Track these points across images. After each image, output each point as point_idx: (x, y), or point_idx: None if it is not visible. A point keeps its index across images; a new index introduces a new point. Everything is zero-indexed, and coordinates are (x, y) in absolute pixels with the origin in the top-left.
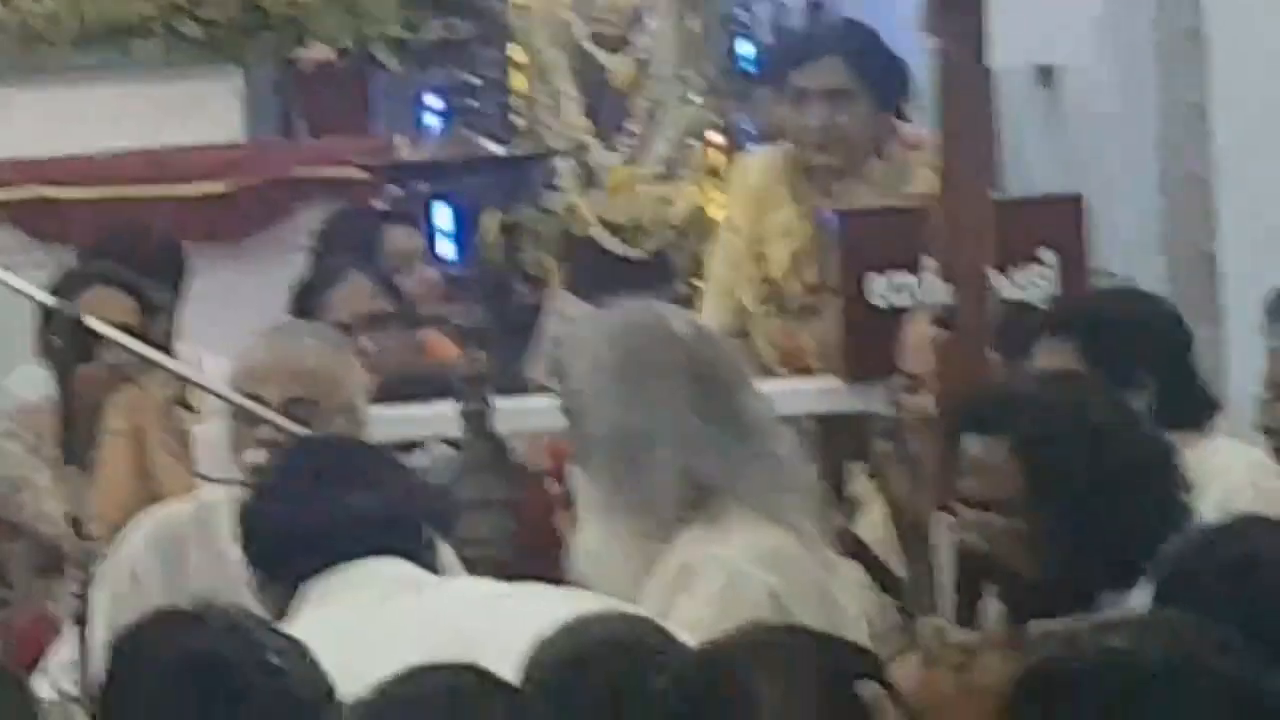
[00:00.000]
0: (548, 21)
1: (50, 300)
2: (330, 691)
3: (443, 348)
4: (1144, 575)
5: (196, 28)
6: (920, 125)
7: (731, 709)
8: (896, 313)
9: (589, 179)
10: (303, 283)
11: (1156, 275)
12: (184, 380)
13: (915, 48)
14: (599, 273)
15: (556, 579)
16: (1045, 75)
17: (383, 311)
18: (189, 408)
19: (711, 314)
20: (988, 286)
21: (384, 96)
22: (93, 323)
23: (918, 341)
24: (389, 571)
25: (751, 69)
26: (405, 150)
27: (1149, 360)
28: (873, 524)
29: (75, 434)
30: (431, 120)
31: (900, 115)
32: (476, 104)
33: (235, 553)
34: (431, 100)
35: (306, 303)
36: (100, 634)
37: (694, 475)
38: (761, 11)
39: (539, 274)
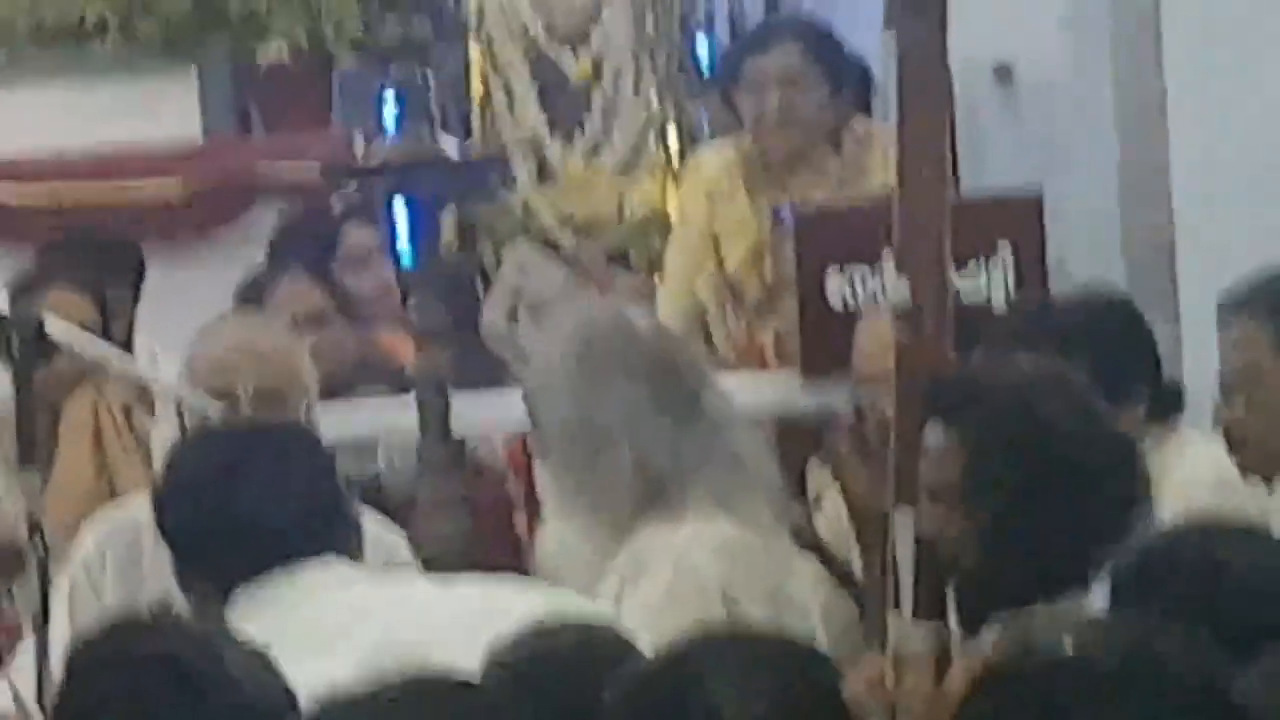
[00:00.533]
0: (506, 19)
1: (7, 301)
2: (294, 702)
3: (399, 346)
4: (1098, 576)
5: (153, 26)
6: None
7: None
8: (854, 309)
9: (547, 176)
10: (246, 281)
11: (1116, 272)
12: (142, 382)
13: (875, 50)
14: None
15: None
16: (1004, 73)
17: (322, 309)
18: (148, 408)
19: (668, 309)
20: (947, 284)
21: (342, 94)
22: (52, 324)
23: (875, 339)
24: (327, 577)
25: (709, 67)
26: (363, 149)
27: (1138, 367)
28: (831, 519)
29: (33, 434)
30: (390, 118)
31: (868, 112)
32: (435, 101)
33: None
34: (390, 98)
35: (249, 301)
36: (59, 634)
37: (653, 470)
38: (719, 10)
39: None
